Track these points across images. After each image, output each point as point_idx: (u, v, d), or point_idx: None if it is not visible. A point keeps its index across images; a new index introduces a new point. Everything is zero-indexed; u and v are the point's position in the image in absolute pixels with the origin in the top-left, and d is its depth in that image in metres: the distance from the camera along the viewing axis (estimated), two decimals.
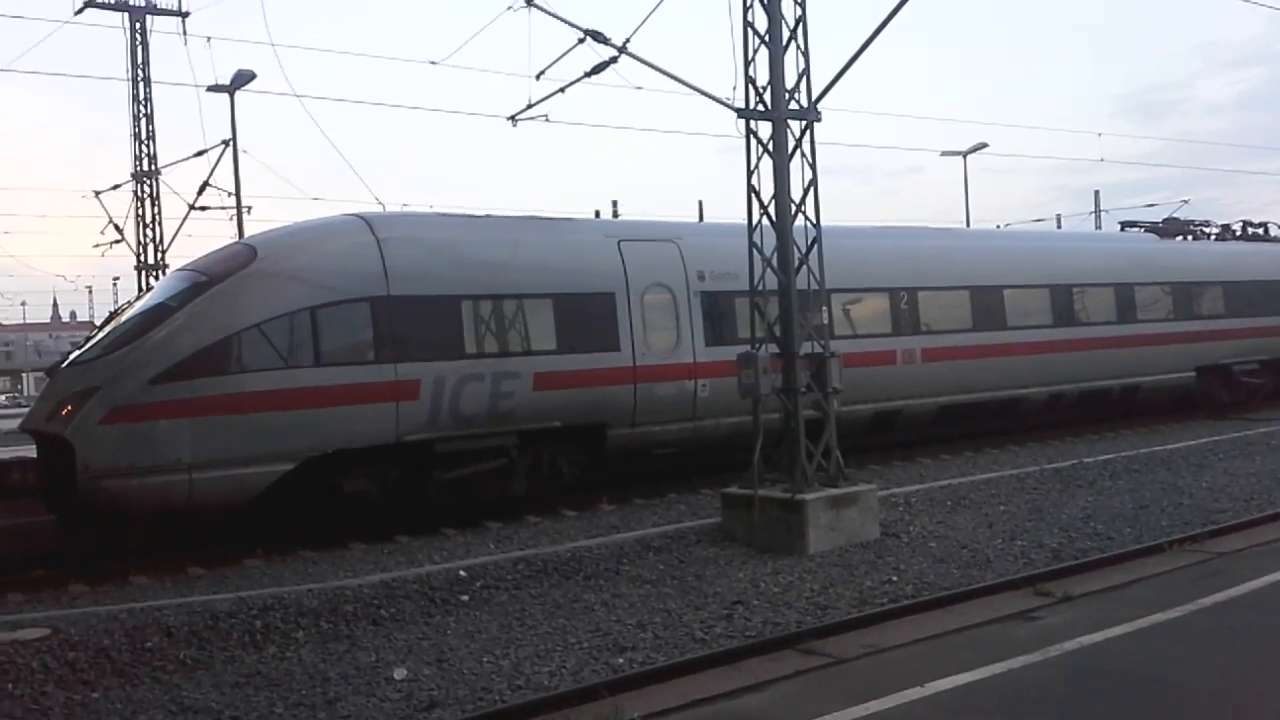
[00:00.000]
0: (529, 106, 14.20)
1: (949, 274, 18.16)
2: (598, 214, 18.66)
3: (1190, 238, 24.33)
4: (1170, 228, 24.48)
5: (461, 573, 9.94)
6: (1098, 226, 44.56)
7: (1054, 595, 8.31)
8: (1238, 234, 25.27)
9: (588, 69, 13.22)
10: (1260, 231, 25.80)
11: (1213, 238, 24.67)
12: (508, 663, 7.76)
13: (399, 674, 7.59)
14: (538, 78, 13.87)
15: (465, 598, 9.47)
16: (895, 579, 9.68)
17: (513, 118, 14.55)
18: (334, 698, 7.22)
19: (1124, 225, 25.23)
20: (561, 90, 13.86)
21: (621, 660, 7.72)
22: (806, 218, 11.70)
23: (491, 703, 7.02)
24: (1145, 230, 24.29)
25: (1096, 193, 47.81)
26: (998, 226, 39.93)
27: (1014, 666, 6.58)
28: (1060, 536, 11.03)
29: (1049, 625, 7.50)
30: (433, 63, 14.86)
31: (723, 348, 14.42)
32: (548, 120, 14.32)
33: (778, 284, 11.65)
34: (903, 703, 6.08)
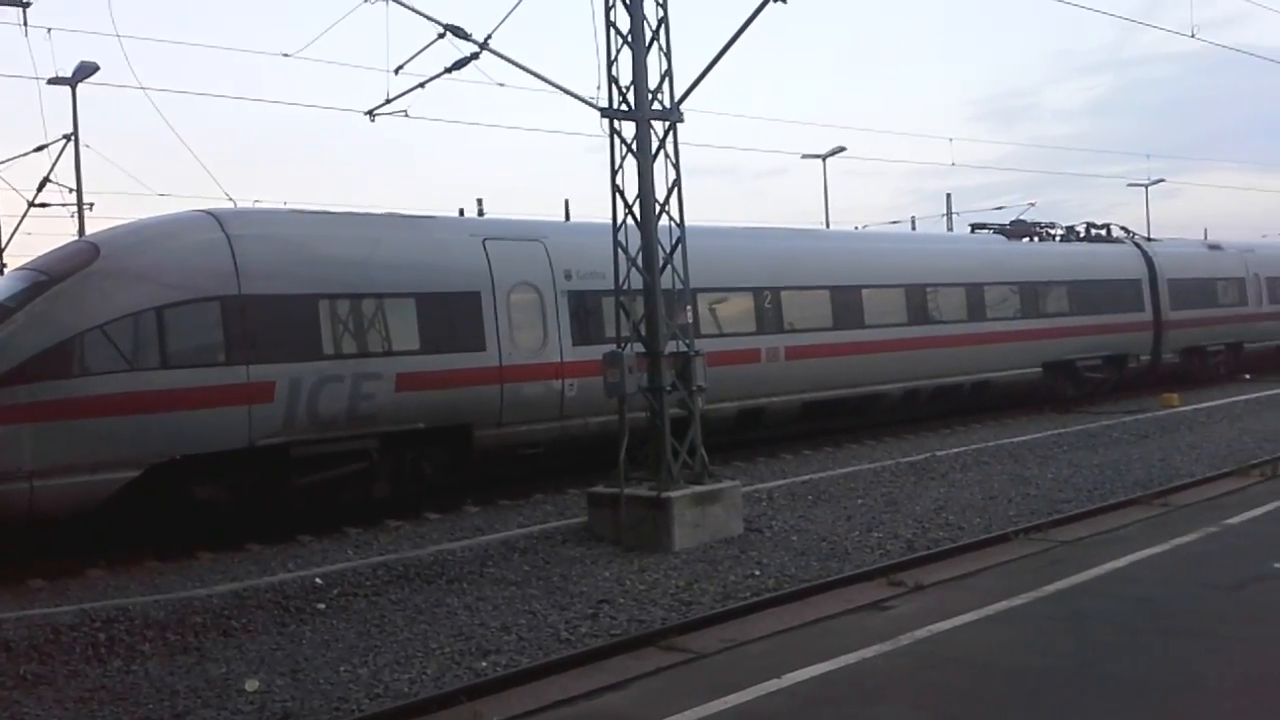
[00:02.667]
0: (387, 101, 13.89)
1: (811, 274, 18.55)
2: (462, 212, 18.38)
3: (1037, 239, 25.42)
4: (1018, 230, 25.55)
5: (318, 580, 9.67)
6: (949, 229, 46.29)
7: (906, 585, 8.55)
8: (1081, 235, 26.53)
9: (448, 65, 13.01)
10: (1103, 233, 27.15)
11: (1058, 239, 25.84)
12: (366, 671, 7.57)
13: (251, 685, 7.34)
14: (396, 72, 13.59)
15: (322, 606, 9.22)
16: (758, 573, 9.83)
17: (370, 113, 14.21)
18: (182, 711, 6.96)
19: (974, 227, 26.23)
20: (421, 85, 13.60)
21: (485, 664, 7.63)
22: (671, 217, 11.79)
23: (349, 712, 6.85)
24: (994, 232, 25.30)
25: (948, 196, 49.74)
26: (856, 228, 41.10)
27: (867, 656, 6.74)
28: (914, 527, 11.37)
29: (901, 614, 7.71)
30: (286, 55, 14.40)
31: (590, 347, 14.41)
32: (407, 116, 14.02)
33: (643, 283, 11.70)
34: (761, 695, 6.16)
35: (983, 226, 26.09)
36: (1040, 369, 22.79)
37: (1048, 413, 22.26)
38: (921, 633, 7.15)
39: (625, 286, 11.79)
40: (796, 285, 18.13)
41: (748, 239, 18.76)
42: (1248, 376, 28.16)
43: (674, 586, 9.50)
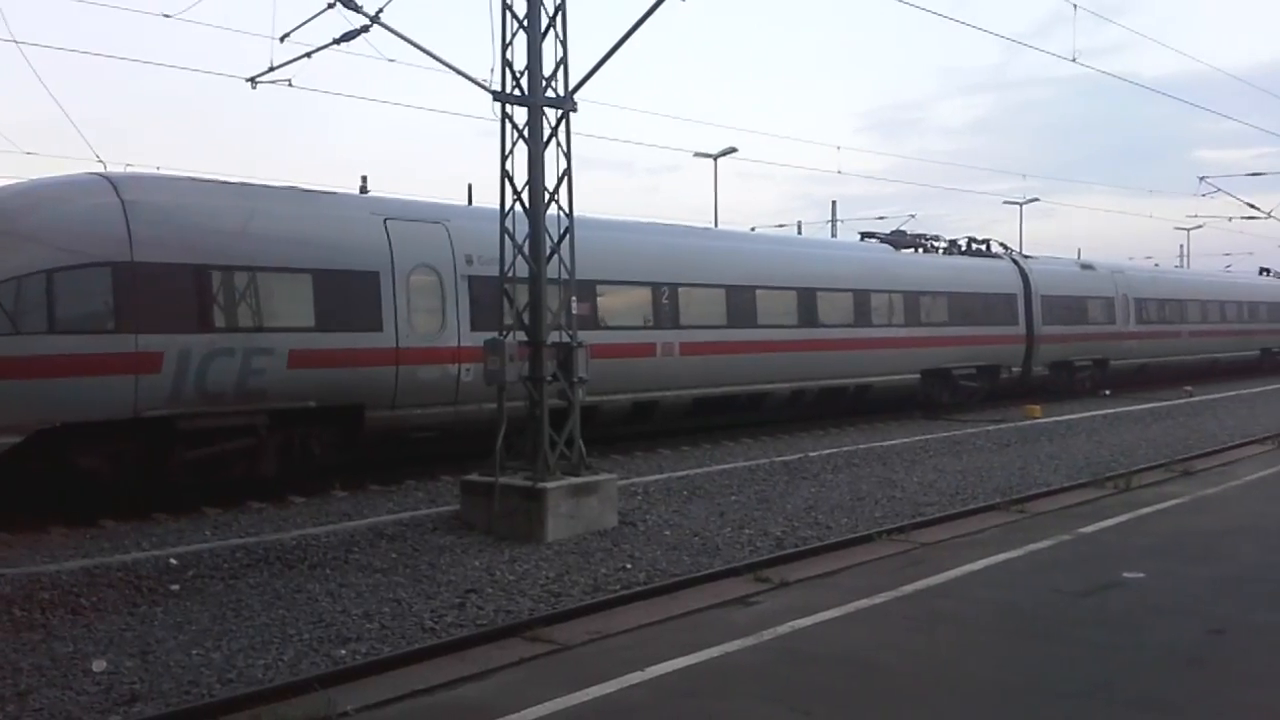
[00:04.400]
0: (271, 70, 13.48)
1: (707, 272, 18.91)
2: (364, 189, 18.10)
3: (921, 250, 26.20)
4: (904, 240, 26.28)
5: (172, 560, 9.36)
6: (833, 234, 47.37)
7: (772, 581, 8.67)
8: (963, 249, 27.44)
9: (337, 36, 12.73)
10: (983, 248, 28.13)
11: (941, 252, 26.67)
12: (219, 655, 7.34)
13: (98, 666, 7.06)
14: (282, 40, 13.22)
15: (176, 587, 8.92)
16: (629, 566, 9.86)
17: (253, 80, 13.76)
18: (25, 690, 6.65)
19: (864, 235, 26.91)
20: (308, 55, 13.25)
21: (344, 652, 7.47)
22: (560, 207, 11.72)
23: (198, 697, 6.61)
24: (882, 241, 25.98)
25: (834, 203, 50.96)
26: (752, 229, 41.64)
27: (730, 649, 6.82)
28: (784, 525, 11.55)
29: (765, 610, 7.82)
30: (166, 16, 13.80)
31: (488, 333, 14.32)
32: (291, 85, 13.63)
33: (528, 272, 11.61)
34: (623, 687, 6.17)
35: (871, 235, 26.78)
36: (919, 375, 23.53)
37: (917, 418, 22.94)
38: (783, 628, 7.27)
39: (511, 274, 11.70)
40: (694, 283, 18.46)
41: (649, 234, 18.98)
42: (1107, 393, 29.49)
43: (544, 578, 9.46)
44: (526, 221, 11.60)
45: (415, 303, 14.24)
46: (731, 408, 19.58)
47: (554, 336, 11.69)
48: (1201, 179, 36.39)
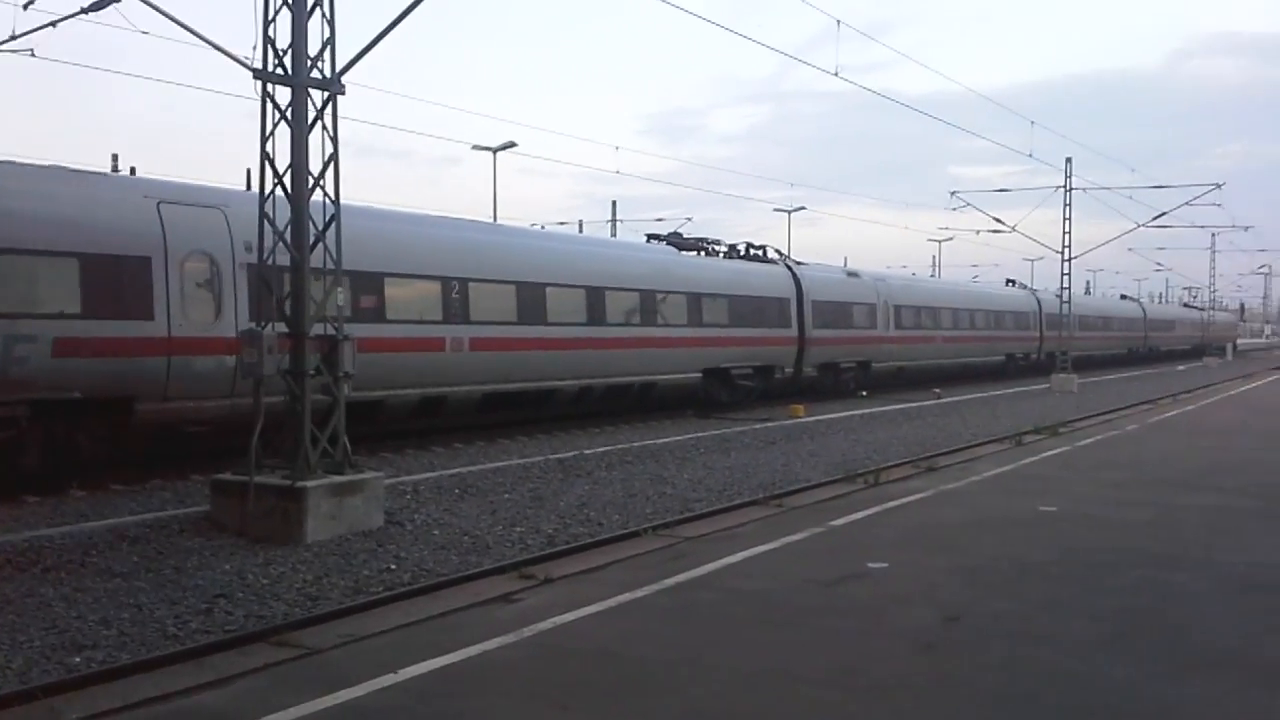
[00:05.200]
0: (13, 38, 12.46)
1: (499, 268, 18.92)
2: (133, 171, 16.98)
3: (703, 253, 26.99)
4: (687, 243, 27.02)
5: None
6: (613, 234, 48.02)
7: (537, 578, 8.63)
8: (741, 254, 28.44)
9: (85, 5, 11.83)
10: (760, 253, 29.24)
11: (721, 255, 27.56)
12: None
13: None
14: (26, 7, 12.23)
15: None
16: (394, 567, 9.60)
17: None
18: None
19: (649, 237, 27.46)
20: (53, 24, 12.31)
21: (79, 660, 6.96)
22: (326, 193, 11.28)
23: None
24: (666, 243, 26.61)
25: (614, 203, 51.82)
26: (532, 225, 41.52)
27: (489, 648, 6.72)
28: (556, 523, 11.55)
29: (528, 606, 7.77)
30: None
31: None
32: (34, 55, 12.64)
33: (290, 260, 11.12)
34: (374, 690, 5.98)
35: (657, 237, 27.37)
36: (701, 375, 24.25)
37: (690, 417, 23.54)
38: (545, 625, 7.23)
39: (271, 261, 11.20)
40: (485, 278, 18.42)
41: (440, 228, 18.87)
42: (864, 394, 31.18)
43: (302, 581, 9.07)
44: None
45: (190, 291, 13.65)
46: (520, 404, 19.63)
47: (321, 329, 11.24)
48: (953, 193, 39.08)
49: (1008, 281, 53.18)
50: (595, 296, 21.08)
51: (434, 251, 17.75)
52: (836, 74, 20.22)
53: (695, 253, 26.72)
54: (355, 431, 16.00)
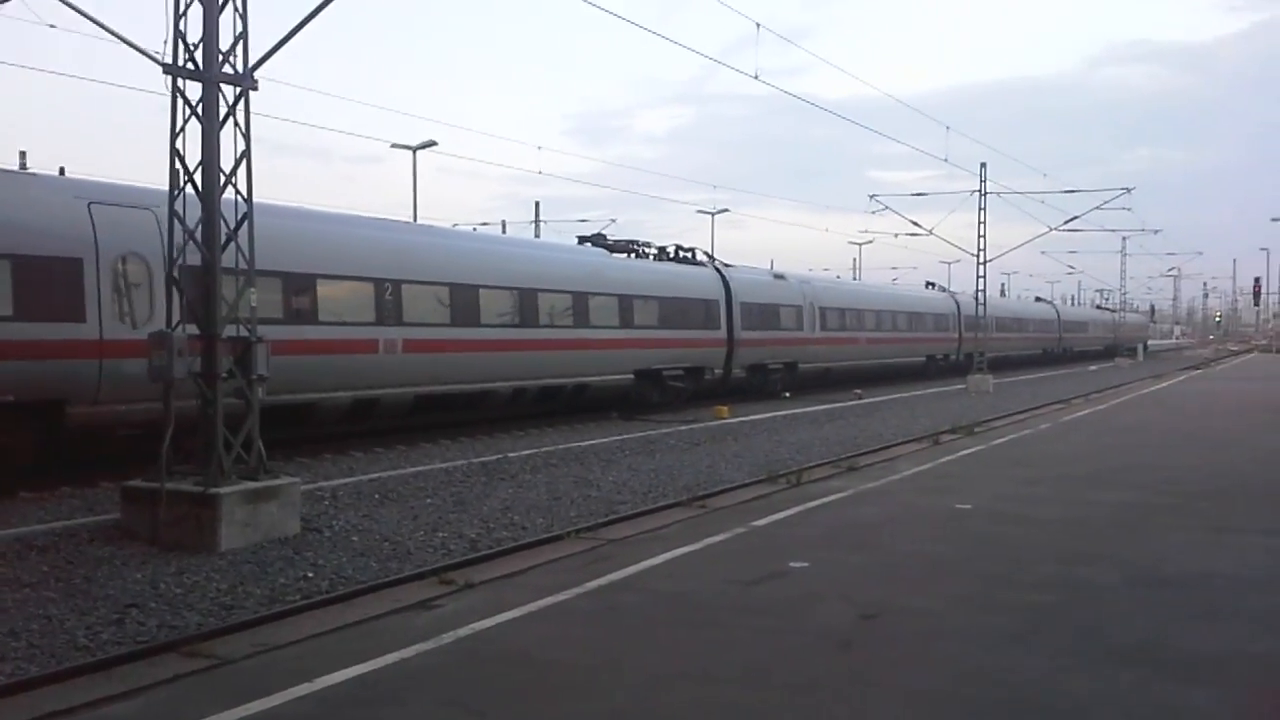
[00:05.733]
0: None
1: (432, 269, 18.89)
2: (62, 171, 16.45)
3: (633, 255, 27.07)
4: (617, 245, 27.06)
5: None
6: (537, 235, 47.92)
7: (458, 583, 8.53)
8: (671, 256, 28.58)
9: None
10: (689, 255, 29.42)
11: (651, 257, 27.68)
12: None
13: None
14: None
15: None
16: (312, 575, 9.42)
17: None
18: None
19: (581, 239, 27.46)
20: None
21: None
22: (238, 191, 11.04)
23: None
24: (597, 245, 26.63)
25: (537, 204, 51.74)
26: (456, 226, 41.22)
27: (406, 655, 6.62)
28: (480, 527, 11.44)
29: (447, 612, 7.68)
30: None
31: None
32: None
33: (201, 260, 10.86)
34: (288, 700, 5.85)
35: (588, 239, 27.37)
36: (633, 376, 24.33)
37: (615, 419, 23.55)
38: (464, 630, 7.15)
39: (181, 261, 10.93)
40: (417, 280, 18.35)
41: (372, 229, 18.71)
42: (787, 395, 31.51)
43: (215, 590, 8.86)
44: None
45: (122, 292, 13.48)
46: (454, 406, 19.57)
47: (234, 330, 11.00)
48: (872, 197, 39.70)
49: (927, 284, 54.17)
50: (528, 298, 21.08)
51: (367, 253, 17.63)
52: (756, 77, 20.42)
53: (626, 255, 26.81)
54: (287, 435, 15.80)
